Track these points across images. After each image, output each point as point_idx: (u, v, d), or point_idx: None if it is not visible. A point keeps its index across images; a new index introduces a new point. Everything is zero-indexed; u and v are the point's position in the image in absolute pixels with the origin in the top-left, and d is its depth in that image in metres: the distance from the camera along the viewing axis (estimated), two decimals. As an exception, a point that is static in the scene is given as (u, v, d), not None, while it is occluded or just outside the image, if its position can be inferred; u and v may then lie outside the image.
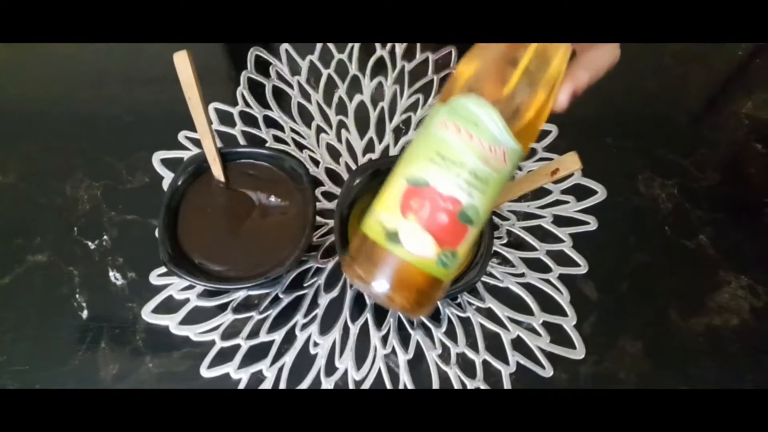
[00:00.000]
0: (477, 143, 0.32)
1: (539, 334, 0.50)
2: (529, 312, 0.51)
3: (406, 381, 0.48)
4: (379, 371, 0.48)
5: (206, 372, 0.48)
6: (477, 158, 0.32)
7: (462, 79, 0.33)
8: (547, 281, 0.52)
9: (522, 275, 0.52)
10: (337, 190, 0.56)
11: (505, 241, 0.54)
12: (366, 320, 0.50)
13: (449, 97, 0.33)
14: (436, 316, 0.50)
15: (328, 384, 0.48)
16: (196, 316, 0.50)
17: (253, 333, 0.49)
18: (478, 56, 0.33)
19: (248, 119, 0.59)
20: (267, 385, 0.47)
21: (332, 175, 0.57)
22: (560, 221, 0.55)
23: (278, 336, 0.49)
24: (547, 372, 0.48)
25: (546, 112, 0.33)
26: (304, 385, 0.48)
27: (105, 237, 0.53)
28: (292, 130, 0.59)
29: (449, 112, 0.33)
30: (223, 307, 0.50)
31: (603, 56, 0.33)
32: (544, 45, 0.32)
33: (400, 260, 0.33)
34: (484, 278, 0.52)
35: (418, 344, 0.49)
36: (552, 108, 0.33)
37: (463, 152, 0.32)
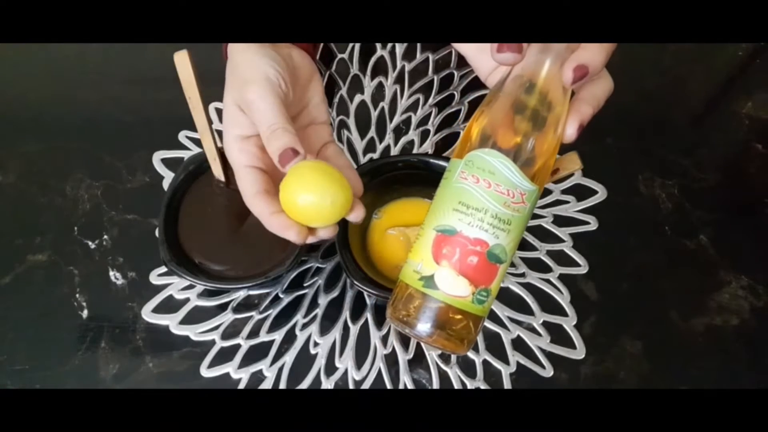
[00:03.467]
0: (495, 190, 0.34)
1: (539, 334, 0.50)
2: (529, 312, 0.51)
3: (406, 381, 0.48)
4: (379, 371, 0.48)
5: (206, 372, 0.48)
6: (497, 203, 0.34)
7: (474, 134, 0.36)
8: (548, 281, 0.52)
9: (522, 275, 0.52)
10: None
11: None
12: (366, 320, 0.50)
13: (464, 152, 0.36)
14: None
15: (328, 384, 0.48)
16: (196, 316, 0.50)
17: (253, 333, 0.49)
18: (486, 111, 0.36)
19: (248, 119, 0.59)
20: (267, 385, 0.47)
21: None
22: (560, 221, 0.55)
23: (278, 336, 0.49)
24: (547, 372, 0.48)
25: (555, 150, 0.36)
26: (304, 385, 0.48)
27: (105, 237, 0.53)
28: (292, 130, 0.59)
29: (467, 166, 0.35)
30: (223, 307, 0.50)
31: (601, 88, 0.36)
32: (545, 92, 0.35)
33: (439, 303, 0.35)
34: (484, 278, 0.52)
35: (418, 344, 0.49)
36: (560, 142, 0.35)
37: (484, 199, 0.34)
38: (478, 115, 0.36)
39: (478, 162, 0.35)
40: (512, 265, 0.53)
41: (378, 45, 0.64)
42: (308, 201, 0.36)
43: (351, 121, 0.60)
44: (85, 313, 0.50)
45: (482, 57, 0.41)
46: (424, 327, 0.35)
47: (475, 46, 0.41)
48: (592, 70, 0.33)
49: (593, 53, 0.33)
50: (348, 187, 0.38)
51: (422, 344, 0.49)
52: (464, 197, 0.35)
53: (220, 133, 0.57)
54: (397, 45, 0.64)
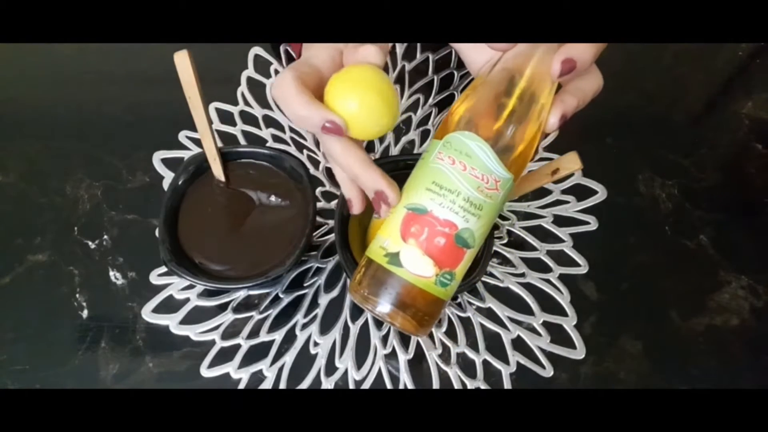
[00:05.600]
0: (470, 173, 0.35)
1: (539, 334, 0.50)
2: (529, 312, 0.51)
3: (406, 381, 0.48)
4: (379, 371, 0.48)
5: (206, 372, 0.48)
6: (471, 186, 0.35)
7: (456, 116, 0.36)
8: (548, 281, 0.52)
9: (522, 275, 0.52)
10: (337, 190, 0.56)
11: (505, 241, 0.54)
12: (366, 320, 0.50)
13: (444, 134, 0.36)
14: (436, 316, 0.50)
15: (328, 384, 0.48)
16: (196, 316, 0.50)
17: (253, 333, 0.49)
18: (471, 95, 0.36)
19: (248, 119, 0.59)
20: (267, 385, 0.47)
21: (332, 175, 0.57)
22: (560, 221, 0.55)
23: (278, 336, 0.49)
24: (548, 372, 0.48)
25: (535, 141, 0.36)
26: (304, 385, 0.48)
27: (105, 237, 0.53)
28: (292, 130, 0.59)
29: (444, 147, 0.35)
30: (223, 307, 0.50)
31: (589, 83, 0.36)
32: (530, 81, 0.35)
33: (402, 281, 0.35)
34: (485, 278, 0.52)
35: (418, 344, 0.49)
36: (542, 133, 0.35)
37: (457, 181, 0.35)
38: (463, 99, 0.36)
39: (455, 143, 0.35)
40: (512, 265, 0.53)
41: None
42: (354, 106, 0.34)
43: (351, 121, 0.60)
44: (85, 313, 0.50)
45: (474, 51, 0.41)
46: (384, 304, 0.35)
47: None
48: (580, 65, 0.33)
49: (583, 48, 0.33)
50: (396, 97, 0.35)
51: (421, 342, 0.49)
52: (438, 177, 0.35)
53: (220, 133, 0.58)
54: (397, 45, 0.64)
